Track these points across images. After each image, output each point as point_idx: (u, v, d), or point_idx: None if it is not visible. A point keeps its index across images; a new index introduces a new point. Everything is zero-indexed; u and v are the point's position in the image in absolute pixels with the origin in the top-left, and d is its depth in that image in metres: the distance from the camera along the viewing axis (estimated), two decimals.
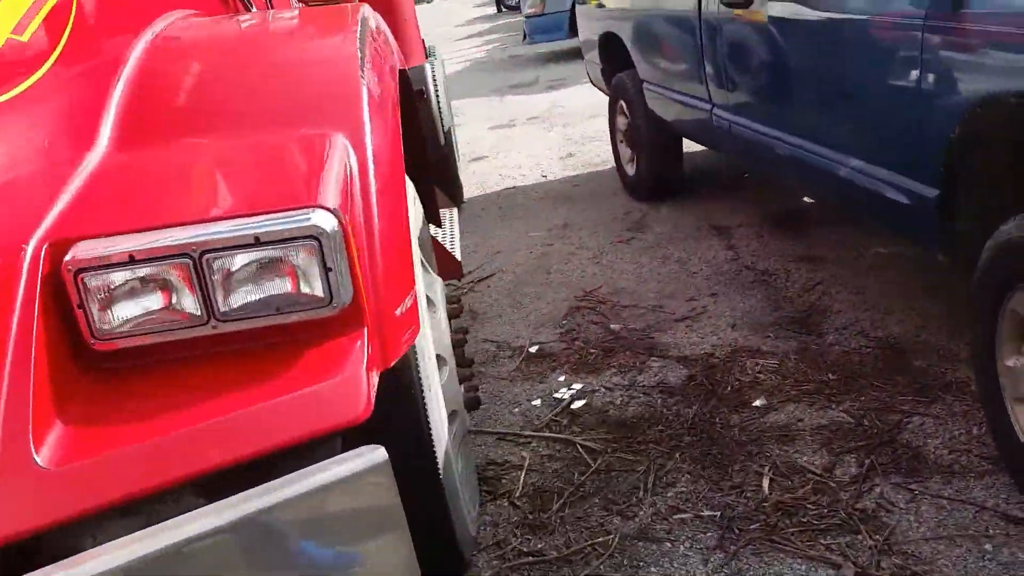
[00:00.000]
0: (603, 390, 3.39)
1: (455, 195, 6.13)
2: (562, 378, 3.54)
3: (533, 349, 3.84)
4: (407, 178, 2.50)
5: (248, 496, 1.30)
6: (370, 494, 1.34)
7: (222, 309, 1.50)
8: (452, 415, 2.38)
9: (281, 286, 1.51)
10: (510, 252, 5.18)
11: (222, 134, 1.79)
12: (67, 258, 1.45)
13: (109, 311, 1.47)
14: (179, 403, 1.46)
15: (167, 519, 1.42)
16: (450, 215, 4.31)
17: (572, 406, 3.30)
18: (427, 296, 2.36)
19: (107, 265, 1.45)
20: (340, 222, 1.53)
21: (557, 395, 3.41)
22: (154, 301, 1.49)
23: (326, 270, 1.51)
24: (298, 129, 1.79)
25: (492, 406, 3.40)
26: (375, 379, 1.59)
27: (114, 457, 1.37)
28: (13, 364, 1.36)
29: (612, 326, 3.94)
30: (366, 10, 2.26)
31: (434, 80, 5.81)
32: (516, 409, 3.36)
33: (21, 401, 1.35)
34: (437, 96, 5.79)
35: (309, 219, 1.49)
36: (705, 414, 3.10)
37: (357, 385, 1.51)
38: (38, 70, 1.57)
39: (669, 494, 2.71)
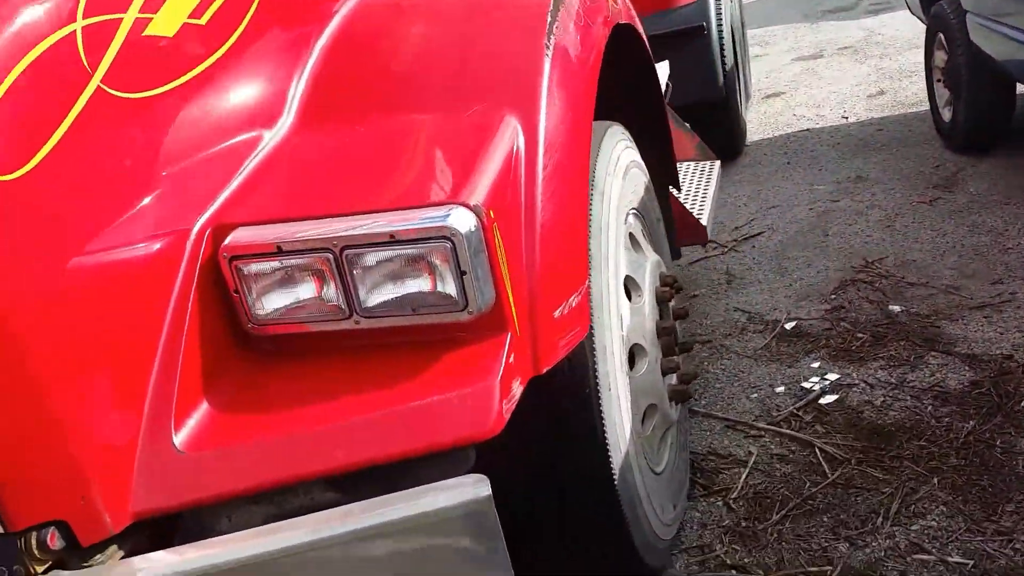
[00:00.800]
0: (863, 386, 2.94)
1: (732, 143, 5.67)
2: (816, 364, 3.13)
3: (789, 326, 3.43)
4: (626, 145, 2.29)
5: (347, 512, 1.26)
6: (466, 532, 1.22)
7: (364, 304, 1.45)
8: (650, 410, 2.18)
9: (417, 286, 1.42)
10: (787, 207, 4.68)
11: (398, 112, 1.72)
12: (224, 244, 1.48)
13: (262, 298, 1.49)
14: (315, 399, 1.45)
15: (296, 507, 1.45)
16: (707, 170, 3.95)
17: (821, 400, 2.90)
18: (630, 278, 2.15)
19: (258, 254, 1.46)
20: (482, 221, 1.39)
21: (806, 384, 3.02)
22: (303, 291, 1.48)
23: (460, 273, 1.38)
24: (470, 107, 1.66)
25: (728, 387, 3.11)
26: (517, 389, 1.46)
27: (246, 448, 1.40)
28: (165, 346, 1.42)
29: (890, 307, 3.39)
30: None
31: (718, 14, 5.35)
32: (754, 394, 3.03)
33: (168, 382, 1.41)
34: (720, 32, 5.34)
35: (443, 219, 1.36)
36: (983, 433, 2.55)
37: (487, 398, 1.39)
38: (218, 50, 1.60)
39: (914, 527, 2.28)
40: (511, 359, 1.45)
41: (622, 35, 2.37)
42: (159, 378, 1.41)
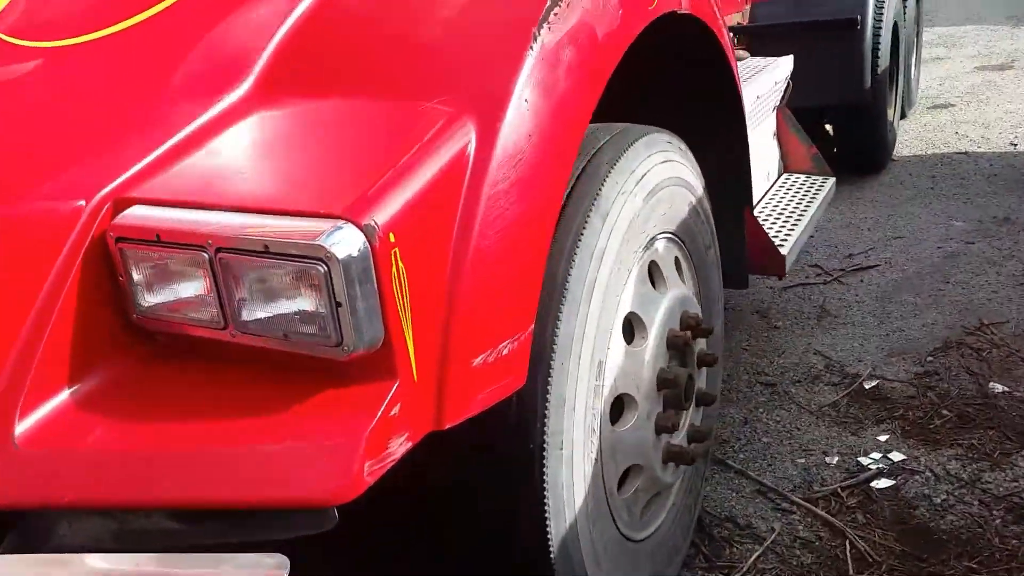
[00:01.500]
0: (927, 475, 2.50)
1: (874, 155, 5.06)
2: (883, 438, 2.69)
3: (869, 384, 2.99)
4: (664, 159, 1.96)
5: (137, 562, 1.08)
6: None
7: (239, 316, 1.25)
8: (632, 470, 1.89)
9: (289, 308, 1.21)
10: (913, 241, 4.12)
11: (356, 96, 1.48)
12: (113, 221, 1.31)
13: (146, 288, 1.32)
14: (172, 415, 1.26)
15: (138, 528, 1.30)
16: (816, 186, 3.48)
17: (873, 483, 2.49)
18: (635, 315, 1.85)
19: (142, 240, 1.29)
20: (372, 245, 1.15)
21: (863, 460, 2.60)
22: (183, 289, 1.29)
23: (335, 304, 1.15)
24: (430, 100, 1.40)
25: (775, 444, 2.73)
26: (398, 447, 1.23)
27: (81, 456, 1.24)
28: (34, 320, 1.28)
29: (992, 385, 2.88)
30: None
31: (878, 8, 4.73)
32: (801, 459, 2.65)
33: (26, 360, 1.27)
34: (878, 29, 4.72)
35: (318, 237, 1.13)
36: None
37: (346, 456, 1.16)
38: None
39: None
40: (394, 411, 1.21)
41: (684, 26, 2.03)
42: (17, 354, 1.27)
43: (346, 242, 1.14)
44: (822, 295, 3.71)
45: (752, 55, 4.45)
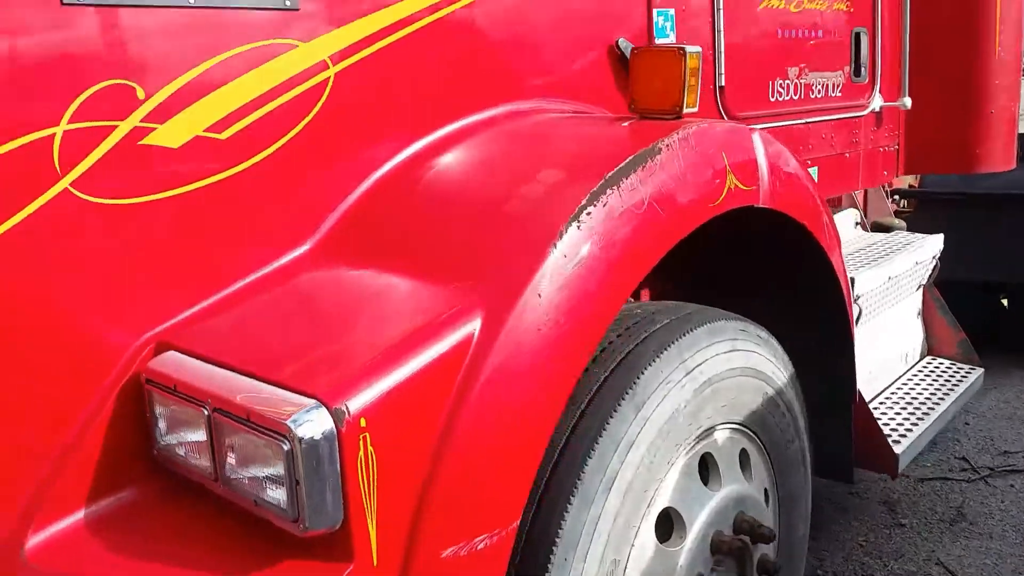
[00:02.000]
0: None
1: None
2: None
3: None
4: (732, 348, 1.87)
5: None
6: None
7: (225, 473, 1.32)
8: None
9: (261, 474, 1.25)
10: None
11: (392, 270, 1.55)
12: (148, 364, 1.44)
13: (165, 429, 1.43)
14: (163, 556, 1.34)
15: None
16: (958, 376, 3.15)
17: None
18: (673, 511, 1.74)
19: (163, 386, 1.40)
20: (339, 429, 1.19)
21: None
22: (191, 436, 1.38)
23: (294, 482, 1.19)
24: (449, 286, 1.44)
25: None
26: None
27: None
28: (66, 444, 1.41)
29: None
30: (678, 137, 1.69)
31: None
32: None
33: (50, 482, 1.39)
34: None
35: (285, 415, 1.18)
36: None
37: None
38: (238, 165, 1.57)
39: None
40: None
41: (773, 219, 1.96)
42: (47, 471, 1.40)
43: (313, 423, 1.18)
44: (963, 495, 3.31)
45: (920, 219, 4.22)
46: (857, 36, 3.03)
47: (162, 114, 1.47)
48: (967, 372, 3.25)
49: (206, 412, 1.30)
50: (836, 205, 3.56)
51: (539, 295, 1.39)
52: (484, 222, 1.60)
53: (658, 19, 2.34)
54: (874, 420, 2.63)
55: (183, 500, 1.43)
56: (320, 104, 1.69)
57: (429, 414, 1.29)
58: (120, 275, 1.48)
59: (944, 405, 2.96)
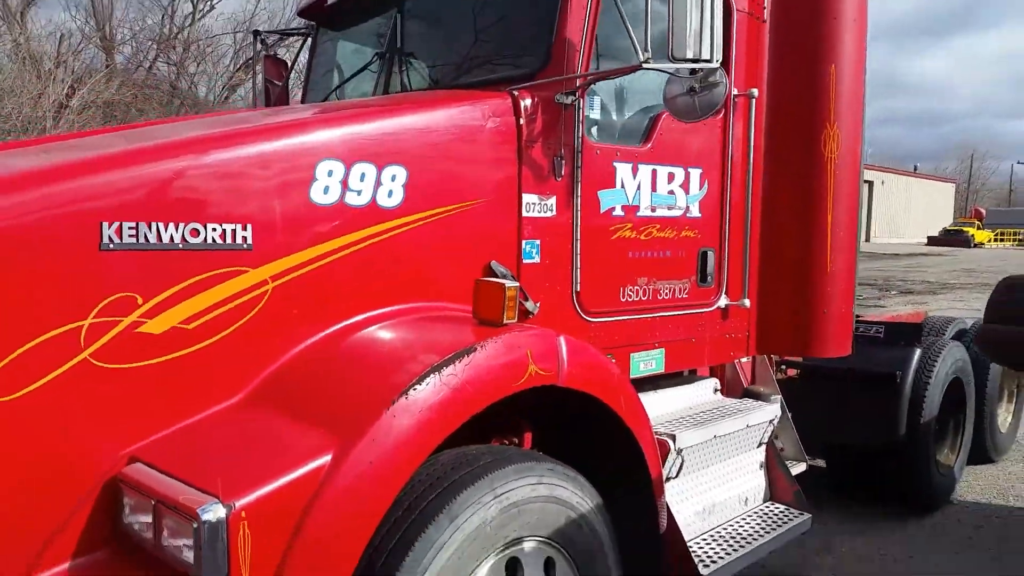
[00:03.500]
0: None
1: (916, 496, 5.29)
2: None
3: None
4: (552, 480, 2.66)
5: None
6: None
7: (160, 542, 2.12)
8: None
9: (179, 543, 2.06)
10: None
11: (287, 413, 2.41)
12: (123, 469, 2.27)
13: (125, 510, 2.24)
14: None
15: None
16: (785, 519, 3.89)
17: None
18: None
19: (129, 484, 2.22)
20: (230, 516, 2.00)
21: None
22: (143, 519, 2.19)
23: (198, 547, 1.99)
24: (319, 428, 2.29)
25: None
26: None
27: None
28: (67, 516, 2.22)
29: None
30: (491, 340, 2.59)
31: (923, 366, 5.12)
32: None
33: (51, 539, 2.20)
34: (923, 384, 5.10)
35: (199, 505, 2.00)
36: None
37: None
38: (196, 345, 2.45)
39: None
40: None
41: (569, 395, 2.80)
42: (53, 526, 2.20)
43: (213, 511, 2.00)
44: None
45: (803, 388, 5.04)
46: (704, 254, 3.95)
47: (152, 313, 2.37)
48: (795, 516, 3.99)
49: (152, 502, 2.12)
50: (719, 375, 4.38)
51: (373, 440, 2.23)
52: (352, 387, 2.48)
53: (526, 247, 3.26)
54: (685, 546, 3.36)
55: (136, 557, 2.22)
56: (260, 305, 2.59)
57: (289, 513, 2.11)
58: (113, 412, 2.33)
59: (761, 541, 3.69)
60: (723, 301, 4.06)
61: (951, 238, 49.13)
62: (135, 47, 23.69)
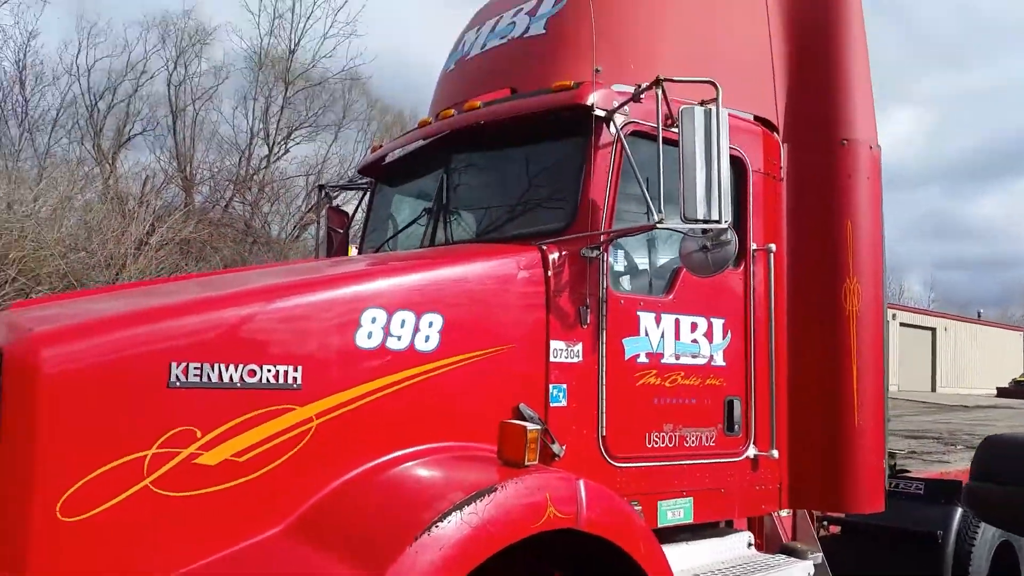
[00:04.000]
0: None
1: None
2: None
3: None
4: None
5: None
6: None
7: None
8: None
9: None
10: None
11: (329, 541, 2.61)
12: None
13: None
14: None
15: None
16: None
17: None
18: None
19: None
20: None
21: None
22: None
23: None
24: (350, 561, 2.47)
25: None
26: None
27: None
28: None
29: None
30: (512, 481, 2.77)
31: (968, 526, 5.02)
32: None
33: None
34: (968, 546, 4.99)
35: None
36: None
37: None
38: (245, 477, 2.68)
39: None
40: None
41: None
42: None
43: None
44: None
45: (845, 545, 4.98)
46: (730, 403, 4.08)
47: (208, 446, 2.64)
48: None
49: None
50: (757, 529, 4.38)
51: (397, 573, 2.40)
52: (382, 521, 2.70)
53: (554, 391, 3.48)
54: None
55: None
56: (305, 441, 2.84)
57: None
58: (167, 536, 2.56)
59: None
60: (751, 451, 4.14)
61: (1023, 389, 47.23)
62: (213, 187, 25.47)
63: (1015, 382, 49.32)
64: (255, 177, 25.95)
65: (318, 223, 5.95)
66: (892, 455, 4.97)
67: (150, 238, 16.93)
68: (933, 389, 44.59)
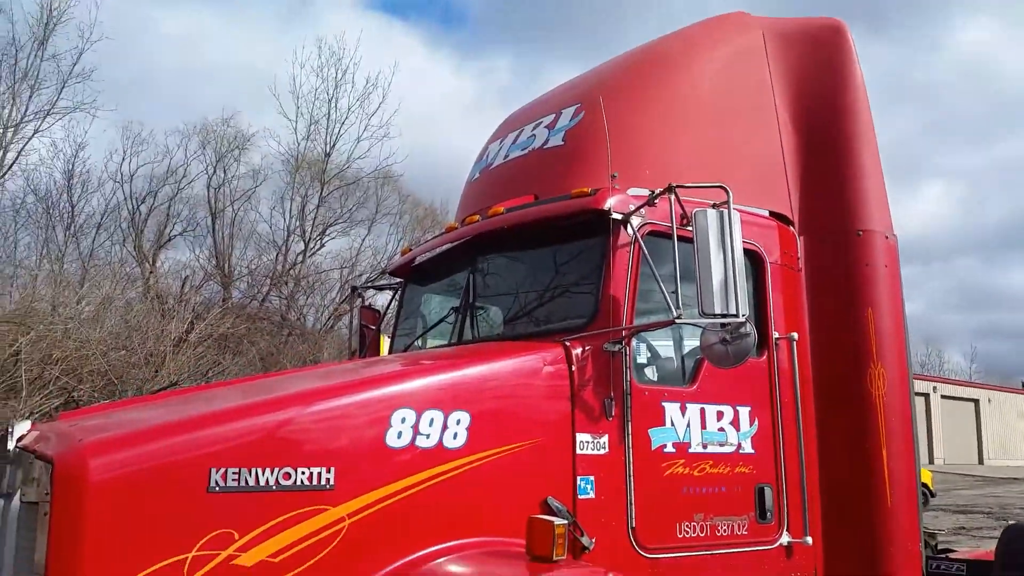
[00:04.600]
0: None
1: None
2: None
3: None
4: None
5: None
6: None
7: None
8: None
9: None
10: None
11: None
12: None
13: None
14: None
15: None
16: None
17: None
18: None
19: None
20: None
21: None
22: None
23: None
24: None
25: None
26: None
27: None
28: None
29: None
30: None
31: None
32: None
33: None
34: None
35: None
36: None
37: None
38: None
39: None
40: None
41: None
42: None
43: None
44: None
45: None
46: (761, 490, 4.08)
47: (245, 547, 2.74)
48: None
49: None
50: None
51: None
52: None
53: (581, 483, 3.53)
54: None
55: None
56: (338, 540, 2.92)
57: None
58: None
59: None
60: (785, 539, 4.11)
61: None
62: (250, 282, 26.03)
63: None
64: (291, 272, 26.51)
65: (351, 314, 6.16)
66: (932, 535, 4.85)
67: (189, 335, 17.31)
68: (980, 462, 43.08)
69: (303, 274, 26.64)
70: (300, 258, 26.90)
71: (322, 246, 27.49)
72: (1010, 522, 4.71)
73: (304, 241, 27.14)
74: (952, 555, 5.75)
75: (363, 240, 27.88)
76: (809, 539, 4.18)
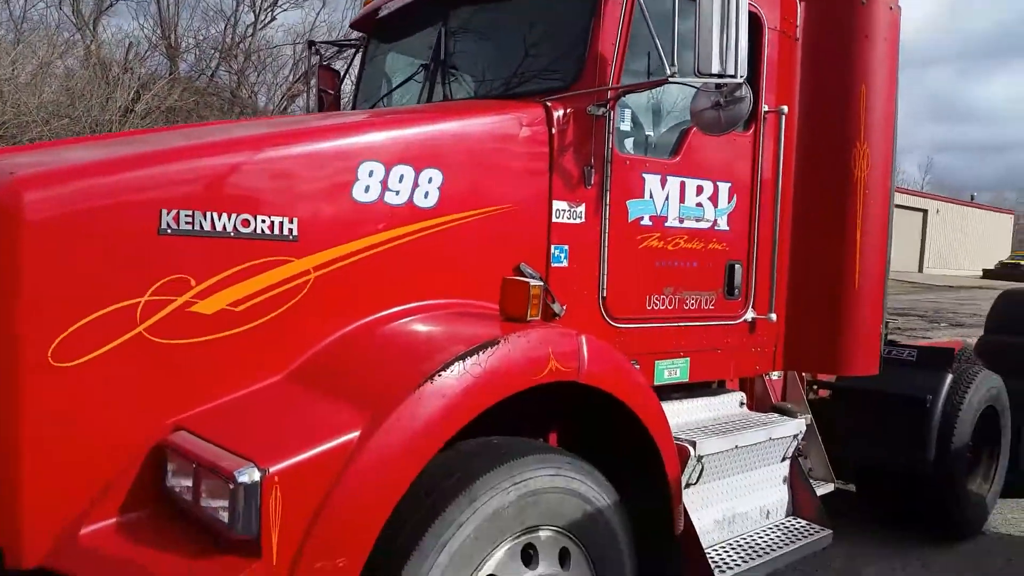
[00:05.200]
0: None
1: (950, 523, 5.26)
2: None
3: None
4: (553, 473, 2.79)
5: None
6: None
7: (199, 502, 2.31)
8: None
9: (217, 504, 2.24)
10: None
11: (327, 390, 2.59)
12: (168, 436, 2.47)
13: (168, 473, 2.43)
14: (143, 554, 2.33)
15: None
16: (805, 533, 3.94)
17: None
18: None
19: (174, 449, 2.42)
20: (263, 480, 2.18)
21: None
22: (185, 481, 2.38)
23: (233, 506, 2.17)
24: (351, 405, 2.46)
25: None
26: None
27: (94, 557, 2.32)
28: (115, 476, 2.43)
29: None
30: (515, 335, 2.75)
31: (955, 393, 5.11)
32: None
33: (105, 489, 2.41)
34: (954, 411, 5.09)
35: (235, 468, 2.18)
36: None
37: None
38: (244, 326, 2.64)
39: None
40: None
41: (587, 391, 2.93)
42: (101, 486, 2.41)
43: (248, 474, 2.17)
44: None
45: (833, 408, 5.08)
46: (731, 267, 4.04)
47: (203, 295, 2.57)
48: (816, 531, 4.04)
49: (193, 465, 2.31)
50: (749, 391, 4.44)
51: (398, 419, 2.40)
52: (383, 371, 2.66)
53: (555, 251, 3.41)
54: (702, 550, 3.45)
55: (175, 516, 2.42)
56: (303, 293, 2.78)
57: (318, 481, 2.28)
58: (162, 384, 2.54)
59: (779, 553, 3.75)
60: (750, 314, 4.15)
61: (1008, 271, 47.79)
62: (198, 55, 24.54)
63: (1001, 264, 49.86)
64: (241, 46, 25.00)
65: (307, 93, 5.70)
66: (886, 324, 5.00)
67: (135, 105, 16.44)
68: (920, 270, 45.02)
69: (254, 48, 25.16)
70: (250, 31, 25.29)
71: (273, 19, 25.82)
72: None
73: (254, 12, 25.41)
74: (901, 342, 5.96)
75: (318, 14, 26.22)
76: (773, 316, 4.22)
